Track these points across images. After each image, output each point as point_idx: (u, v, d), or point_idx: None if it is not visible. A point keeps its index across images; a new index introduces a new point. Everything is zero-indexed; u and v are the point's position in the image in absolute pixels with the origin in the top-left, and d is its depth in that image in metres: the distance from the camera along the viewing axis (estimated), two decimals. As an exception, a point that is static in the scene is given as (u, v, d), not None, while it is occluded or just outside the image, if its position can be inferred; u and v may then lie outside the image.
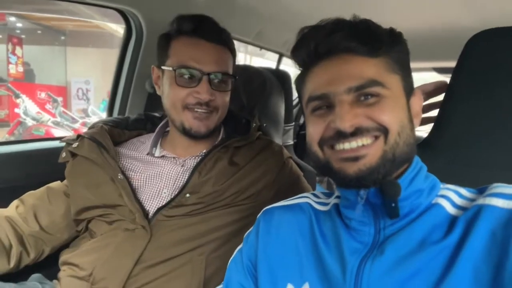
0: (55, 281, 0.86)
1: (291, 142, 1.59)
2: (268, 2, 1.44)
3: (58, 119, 4.88)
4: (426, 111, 0.74)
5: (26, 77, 7.36)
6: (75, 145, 0.89)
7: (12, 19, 7.26)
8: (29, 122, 4.51)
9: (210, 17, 0.88)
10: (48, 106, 6.00)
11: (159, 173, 0.87)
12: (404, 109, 0.53)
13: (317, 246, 0.56)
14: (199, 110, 0.84)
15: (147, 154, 0.92)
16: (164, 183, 0.86)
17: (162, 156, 0.92)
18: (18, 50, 7.11)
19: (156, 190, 0.85)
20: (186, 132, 0.87)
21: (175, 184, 0.86)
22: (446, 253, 0.46)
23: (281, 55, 2.16)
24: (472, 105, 0.65)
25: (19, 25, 7.58)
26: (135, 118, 1.05)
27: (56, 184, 0.95)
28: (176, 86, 0.83)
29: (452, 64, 0.69)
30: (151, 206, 0.83)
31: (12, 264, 0.83)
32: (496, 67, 0.63)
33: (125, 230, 0.80)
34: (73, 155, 0.90)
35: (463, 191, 0.52)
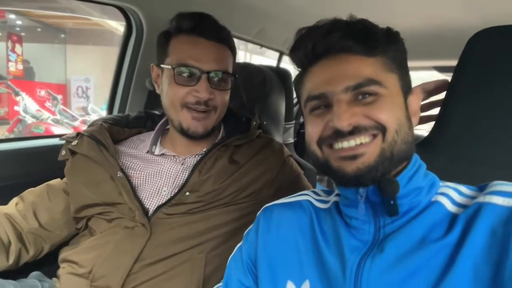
0: (54, 278, 0.87)
1: (291, 140, 1.59)
2: (270, 0, 1.43)
3: (58, 117, 4.89)
4: (426, 110, 0.74)
5: (26, 75, 7.34)
6: (75, 143, 0.89)
7: (12, 16, 7.24)
8: (29, 120, 4.52)
9: (210, 15, 0.87)
10: (48, 104, 6.01)
11: (159, 171, 0.87)
12: (402, 107, 0.53)
13: (317, 243, 0.56)
14: (198, 109, 0.84)
15: (147, 152, 0.92)
16: (164, 181, 0.86)
17: (162, 154, 0.92)
18: (18, 48, 7.09)
19: (156, 188, 0.85)
20: (184, 132, 0.86)
21: (175, 182, 0.86)
22: (446, 251, 0.46)
23: (281, 53, 2.16)
24: (473, 104, 0.65)
25: (19, 22, 7.57)
26: (135, 116, 1.04)
27: (55, 181, 0.95)
28: (175, 84, 0.83)
29: (453, 63, 0.69)
30: (151, 204, 0.83)
31: (11, 260, 0.83)
32: (497, 65, 0.63)
33: (124, 228, 0.80)
34: (73, 153, 0.90)
35: (463, 188, 0.52)
